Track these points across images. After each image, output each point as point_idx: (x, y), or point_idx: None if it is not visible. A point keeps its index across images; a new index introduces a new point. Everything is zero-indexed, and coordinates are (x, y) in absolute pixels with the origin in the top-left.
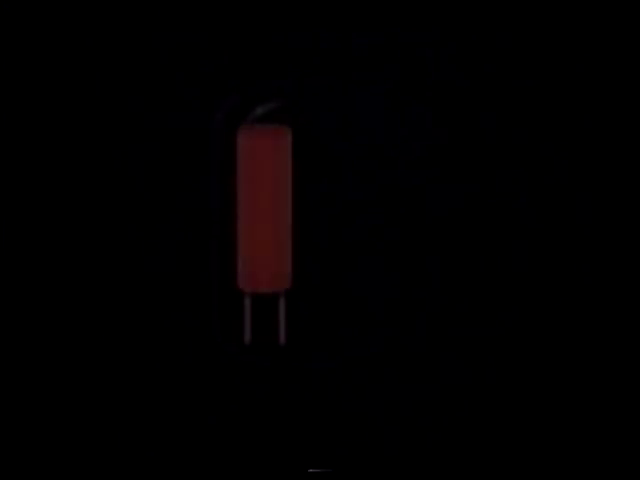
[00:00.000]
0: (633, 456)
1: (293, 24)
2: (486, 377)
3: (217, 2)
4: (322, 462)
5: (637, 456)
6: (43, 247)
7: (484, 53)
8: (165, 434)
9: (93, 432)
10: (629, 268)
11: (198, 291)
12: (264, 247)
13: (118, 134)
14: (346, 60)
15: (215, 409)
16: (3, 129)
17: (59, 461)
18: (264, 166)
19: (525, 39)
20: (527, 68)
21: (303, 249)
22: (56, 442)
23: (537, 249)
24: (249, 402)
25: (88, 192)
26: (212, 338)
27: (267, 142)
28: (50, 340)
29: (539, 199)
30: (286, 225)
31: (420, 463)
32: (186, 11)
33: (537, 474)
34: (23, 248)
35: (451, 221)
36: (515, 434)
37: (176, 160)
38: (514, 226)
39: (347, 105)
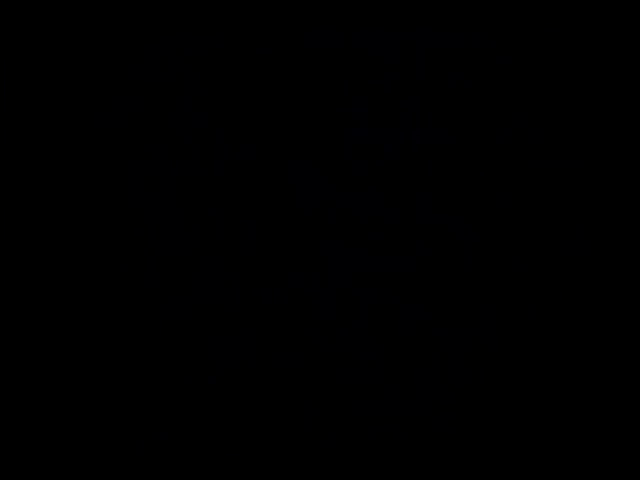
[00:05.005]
0: (633, 456)
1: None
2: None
3: (218, 2)
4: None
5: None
6: (43, 246)
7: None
8: (164, 434)
9: (92, 430)
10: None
11: (200, 291)
12: None
13: (118, 135)
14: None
15: (215, 409)
16: (4, 129)
17: (58, 460)
18: None
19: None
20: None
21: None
22: (56, 440)
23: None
24: (249, 402)
25: (88, 193)
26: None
27: None
28: (48, 338)
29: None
30: None
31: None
32: (188, 11)
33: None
34: (25, 249)
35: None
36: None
37: (176, 160)
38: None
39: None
